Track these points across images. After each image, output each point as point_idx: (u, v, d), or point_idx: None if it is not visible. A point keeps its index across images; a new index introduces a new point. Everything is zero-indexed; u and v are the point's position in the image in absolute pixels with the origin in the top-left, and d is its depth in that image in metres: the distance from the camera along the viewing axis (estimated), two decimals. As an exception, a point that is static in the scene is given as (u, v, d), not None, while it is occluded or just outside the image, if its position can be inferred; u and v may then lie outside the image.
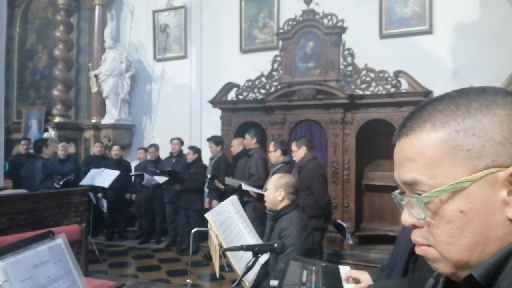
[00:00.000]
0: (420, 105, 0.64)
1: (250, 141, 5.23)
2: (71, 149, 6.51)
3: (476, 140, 0.57)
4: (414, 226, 0.63)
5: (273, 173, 4.05)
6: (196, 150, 5.96)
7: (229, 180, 5.08)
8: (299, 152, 4.23)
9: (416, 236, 0.63)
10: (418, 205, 0.60)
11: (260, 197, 4.44)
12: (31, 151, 6.89)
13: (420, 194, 0.60)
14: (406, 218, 0.63)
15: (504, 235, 0.56)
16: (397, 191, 0.65)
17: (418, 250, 0.63)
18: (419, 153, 0.60)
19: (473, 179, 0.56)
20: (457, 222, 0.57)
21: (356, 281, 1.85)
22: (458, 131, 0.58)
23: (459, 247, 0.58)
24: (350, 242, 4.68)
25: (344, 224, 4.19)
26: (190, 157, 5.89)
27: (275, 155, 4.50)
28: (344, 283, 1.80)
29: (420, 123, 0.61)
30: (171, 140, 6.37)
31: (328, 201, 4.11)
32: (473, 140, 0.57)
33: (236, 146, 5.47)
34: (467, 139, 0.57)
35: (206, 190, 5.92)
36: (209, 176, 5.56)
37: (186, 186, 5.80)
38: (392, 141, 0.66)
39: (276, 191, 2.66)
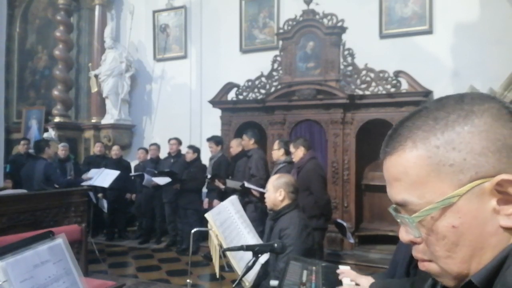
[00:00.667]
0: (400, 121, 0.63)
1: (248, 142, 5.21)
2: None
3: (457, 154, 0.56)
4: (413, 243, 0.63)
5: (275, 173, 4.06)
6: (196, 149, 5.94)
7: (230, 183, 5.05)
8: (297, 153, 4.22)
9: (417, 252, 0.63)
10: (411, 225, 0.60)
11: (262, 197, 4.44)
12: (31, 151, 6.89)
13: (412, 214, 0.60)
14: (403, 235, 0.63)
15: (499, 243, 0.56)
16: (393, 206, 0.64)
17: (421, 266, 0.64)
18: (404, 173, 0.60)
19: (459, 193, 0.56)
20: (451, 237, 0.58)
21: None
22: (438, 146, 0.57)
23: (456, 260, 0.58)
24: (351, 241, 4.68)
25: (345, 223, 4.19)
26: (190, 156, 5.87)
27: (278, 153, 4.51)
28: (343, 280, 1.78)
29: (401, 141, 0.60)
30: (169, 140, 6.35)
31: (327, 201, 4.11)
32: (454, 154, 0.56)
33: (235, 146, 5.45)
34: (448, 153, 0.56)
35: (205, 190, 5.91)
36: (209, 176, 5.55)
37: (186, 186, 5.79)
38: (379, 160, 0.65)
39: (276, 191, 2.66)
